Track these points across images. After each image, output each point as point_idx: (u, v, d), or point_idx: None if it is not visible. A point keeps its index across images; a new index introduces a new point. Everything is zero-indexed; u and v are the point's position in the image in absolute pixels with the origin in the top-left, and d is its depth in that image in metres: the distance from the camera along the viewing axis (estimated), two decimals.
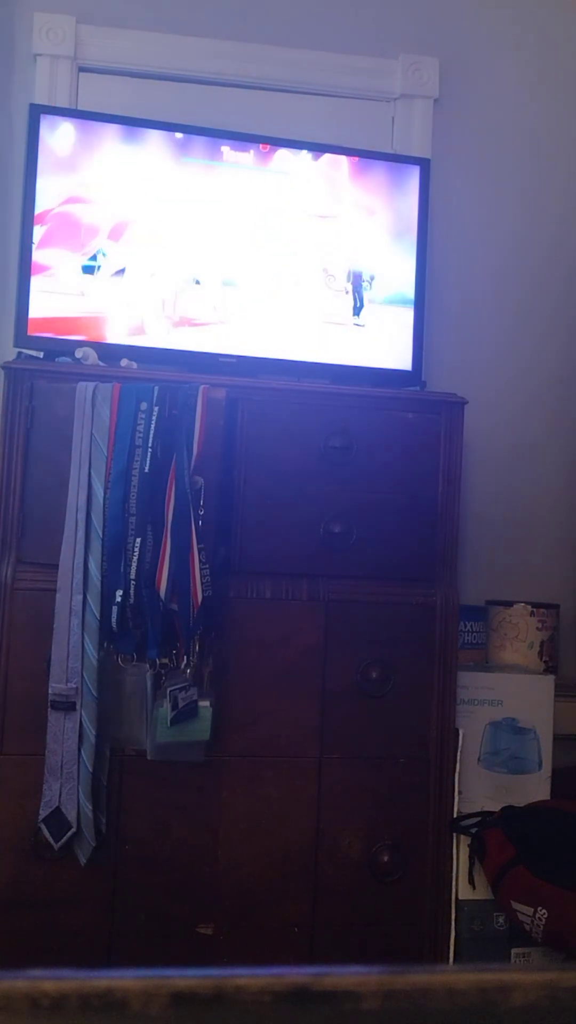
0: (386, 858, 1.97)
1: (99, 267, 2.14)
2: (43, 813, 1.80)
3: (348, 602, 2.00)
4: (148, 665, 1.86)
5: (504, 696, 2.20)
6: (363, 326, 2.27)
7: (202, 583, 1.82)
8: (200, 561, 1.82)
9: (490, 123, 2.73)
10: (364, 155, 2.32)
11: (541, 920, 1.84)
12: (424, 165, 2.35)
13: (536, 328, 2.74)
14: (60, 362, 2.01)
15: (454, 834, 2.02)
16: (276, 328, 2.22)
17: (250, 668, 1.95)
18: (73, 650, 1.80)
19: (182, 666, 1.86)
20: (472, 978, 0.42)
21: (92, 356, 2.02)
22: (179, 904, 1.90)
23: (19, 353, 2.08)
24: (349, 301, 2.26)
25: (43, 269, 2.11)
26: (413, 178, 2.32)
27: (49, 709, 1.81)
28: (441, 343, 2.61)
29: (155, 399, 1.86)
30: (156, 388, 1.87)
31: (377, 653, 2.00)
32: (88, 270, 2.13)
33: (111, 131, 2.17)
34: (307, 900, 1.95)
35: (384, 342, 2.27)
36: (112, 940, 1.88)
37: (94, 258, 2.14)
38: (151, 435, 1.84)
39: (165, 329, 2.17)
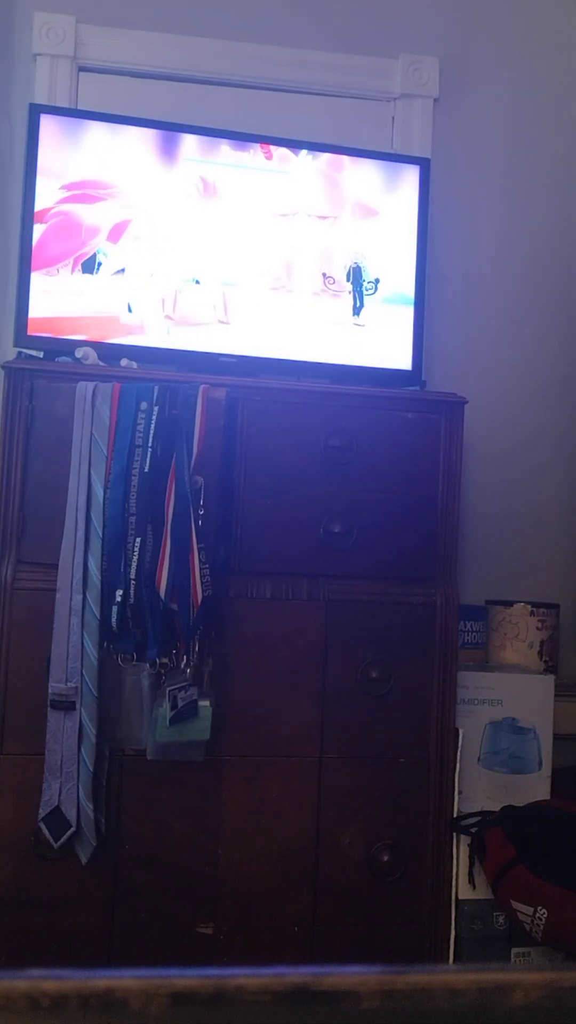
0: (386, 858, 1.97)
1: (99, 267, 2.14)
2: (43, 812, 1.80)
3: (348, 602, 2.00)
4: (148, 665, 1.86)
5: (504, 696, 2.20)
6: (363, 326, 2.27)
7: (202, 583, 1.82)
8: (200, 561, 1.82)
9: (490, 123, 2.73)
10: (364, 155, 2.31)
11: (541, 920, 1.84)
12: (424, 165, 2.34)
13: (536, 327, 2.74)
14: (60, 362, 2.01)
15: (454, 834, 2.02)
16: (276, 328, 2.22)
17: (250, 668, 1.95)
18: (73, 649, 1.80)
19: (182, 666, 1.86)
20: (472, 978, 0.42)
21: (92, 356, 2.02)
22: (179, 904, 1.90)
23: (19, 353, 2.08)
24: (349, 301, 2.26)
25: (42, 268, 2.11)
26: (413, 178, 2.32)
27: (49, 708, 1.81)
28: (441, 343, 2.61)
29: (155, 399, 1.86)
30: (156, 388, 1.87)
31: (377, 653, 2.00)
32: (88, 269, 2.13)
33: (111, 131, 2.17)
34: (307, 900, 1.95)
35: (384, 342, 2.27)
36: (112, 940, 1.88)
37: (93, 257, 2.14)
38: (151, 435, 1.84)
39: (165, 329, 2.16)
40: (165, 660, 1.86)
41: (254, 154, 2.24)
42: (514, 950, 2.02)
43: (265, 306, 2.22)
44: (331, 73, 2.63)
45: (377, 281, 2.27)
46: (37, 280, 2.10)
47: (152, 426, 1.84)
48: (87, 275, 2.13)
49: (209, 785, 1.92)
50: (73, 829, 1.80)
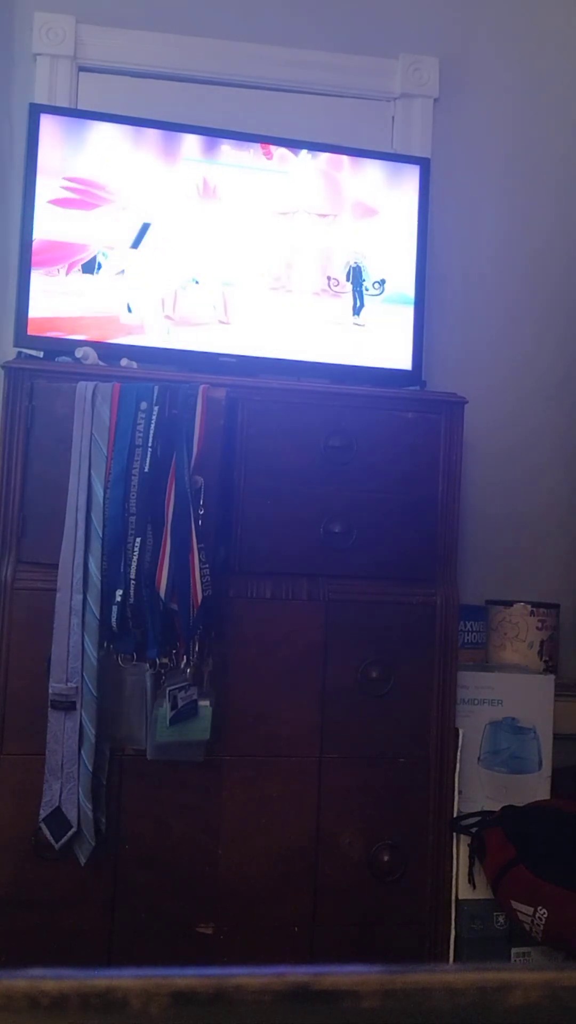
0: (386, 858, 1.97)
1: (99, 267, 2.14)
2: (43, 813, 1.80)
3: (348, 602, 2.00)
4: (148, 665, 1.86)
5: (504, 696, 2.20)
6: (363, 326, 2.27)
7: (202, 582, 1.82)
8: (200, 560, 1.82)
9: (490, 123, 2.73)
10: (364, 154, 2.31)
11: (541, 920, 1.84)
12: (424, 165, 2.34)
13: (536, 327, 2.74)
14: (60, 362, 2.01)
15: (454, 834, 2.02)
16: (276, 328, 2.22)
17: (250, 668, 1.95)
18: (73, 650, 1.80)
19: (182, 666, 1.86)
20: (472, 978, 0.42)
21: (92, 356, 2.02)
22: (179, 904, 1.90)
23: (19, 353, 2.08)
24: (349, 300, 2.26)
25: (42, 268, 2.11)
26: (413, 178, 2.32)
27: (49, 709, 1.81)
28: (441, 343, 2.61)
29: (155, 399, 1.86)
30: (156, 388, 1.87)
31: (377, 653, 2.00)
32: (88, 270, 2.13)
33: (111, 131, 2.17)
34: (307, 900, 1.95)
35: (384, 342, 2.27)
36: (112, 940, 1.88)
37: (94, 258, 2.14)
38: (151, 435, 1.84)
39: (165, 329, 2.16)
40: (165, 660, 1.86)
41: (254, 154, 2.24)
42: (514, 950, 2.02)
43: (265, 306, 2.22)
44: (331, 73, 2.63)
45: (383, 282, 2.27)
46: (37, 280, 2.10)
47: (152, 426, 1.84)
48: (87, 275, 2.13)
49: (209, 785, 1.92)
50: (74, 830, 1.80)
